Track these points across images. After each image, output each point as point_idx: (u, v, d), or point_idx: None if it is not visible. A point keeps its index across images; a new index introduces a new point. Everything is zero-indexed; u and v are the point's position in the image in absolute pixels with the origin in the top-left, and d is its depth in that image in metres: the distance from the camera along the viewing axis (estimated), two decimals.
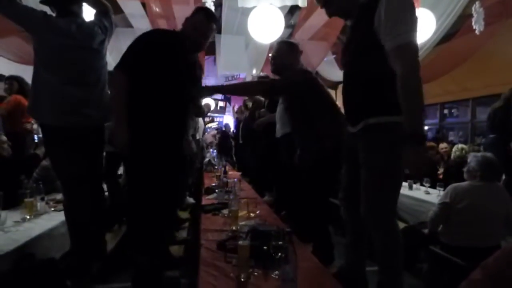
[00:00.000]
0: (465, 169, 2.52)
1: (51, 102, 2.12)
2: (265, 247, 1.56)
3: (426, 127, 9.23)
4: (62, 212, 2.51)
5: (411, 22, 1.51)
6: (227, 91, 2.60)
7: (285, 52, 2.63)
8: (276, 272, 1.46)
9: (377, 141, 1.65)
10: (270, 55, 2.87)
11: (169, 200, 2.33)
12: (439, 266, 2.58)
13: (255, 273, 1.50)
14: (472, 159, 2.45)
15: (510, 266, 0.92)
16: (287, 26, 7.00)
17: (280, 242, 1.45)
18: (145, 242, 2.07)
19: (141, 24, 7.36)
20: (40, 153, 3.18)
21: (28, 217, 2.40)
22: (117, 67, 2.02)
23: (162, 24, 6.66)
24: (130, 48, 2.06)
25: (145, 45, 2.05)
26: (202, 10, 2.18)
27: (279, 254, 1.43)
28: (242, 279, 1.43)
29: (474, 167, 2.40)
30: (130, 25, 7.36)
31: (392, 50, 1.52)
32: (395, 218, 1.72)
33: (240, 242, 1.46)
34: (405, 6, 1.52)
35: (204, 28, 2.12)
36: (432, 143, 5.72)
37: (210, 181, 3.95)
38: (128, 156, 2.04)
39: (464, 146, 4.50)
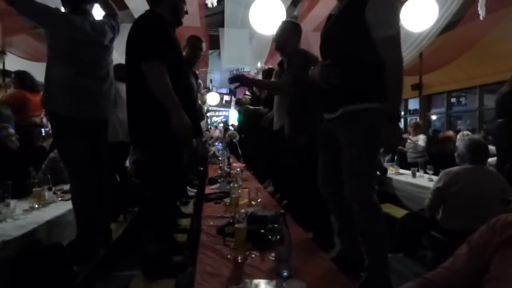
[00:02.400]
0: (455, 154, 2.56)
1: (64, 93, 2.24)
2: (262, 231, 1.60)
3: (434, 117, 9.19)
4: (69, 202, 2.59)
5: (398, 18, 1.74)
6: (257, 84, 2.72)
7: (289, 32, 2.74)
8: (273, 254, 1.50)
9: (357, 126, 1.76)
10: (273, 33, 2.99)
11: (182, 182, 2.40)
12: (442, 252, 2.59)
13: (253, 255, 1.54)
14: (460, 143, 2.48)
15: (493, 236, 0.94)
16: (291, 17, 6.98)
17: (276, 225, 1.49)
18: (155, 229, 2.14)
19: None
20: (47, 145, 3.25)
21: (36, 206, 2.46)
22: (156, 59, 1.90)
23: None
24: (155, 38, 1.95)
25: (162, 32, 2.02)
26: None
27: (275, 236, 1.47)
28: (239, 260, 1.47)
29: (463, 151, 2.44)
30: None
31: (384, 39, 1.66)
32: (375, 195, 1.82)
33: (237, 225, 1.50)
34: (395, 3, 1.73)
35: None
36: (447, 133, 5.66)
37: (214, 173, 4.00)
38: (156, 143, 2.03)
39: (468, 133, 4.47)
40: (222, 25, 8.68)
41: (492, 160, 3.69)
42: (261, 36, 6.48)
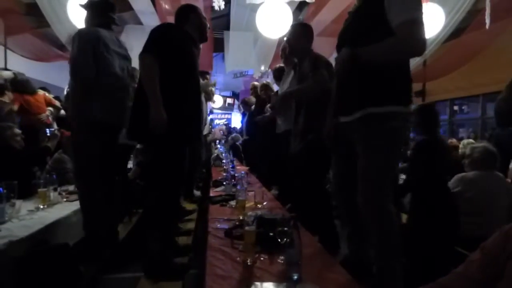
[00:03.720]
0: (466, 161, 2.57)
1: (102, 101, 2.36)
2: (271, 234, 1.60)
3: None
4: (74, 202, 2.61)
5: (419, 3, 1.60)
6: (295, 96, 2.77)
7: (299, 34, 2.77)
8: (282, 257, 1.49)
9: (377, 130, 1.65)
10: (284, 43, 3.09)
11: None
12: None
13: (261, 258, 1.53)
14: (472, 150, 2.52)
15: (506, 243, 0.94)
16: (296, 22, 7.01)
17: (285, 228, 1.49)
18: (159, 231, 2.15)
19: (151, 21, 7.43)
20: (52, 146, 3.25)
21: (41, 206, 2.47)
22: (148, 51, 2.05)
23: (171, 21, 6.72)
24: (155, 35, 2.12)
25: (166, 33, 2.16)
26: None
27: (285, 239, 1.47)
28: (249, 263, 1.47)
29: (475, 158, 2.48)
30: (139, 22, 7.46)
31: (402, 23, 1.56)
32: (391, 205, 1.72)
33: (247, 228, 1.49)
34: None
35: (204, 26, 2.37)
36: (454, 142, 5.64)
37: (217, 175, 3.99)
38: (157, 139, 2.07)
39: (471, 140, 4.48)
40: (226, 28, 8.71)
41: None
42: (266, 40, 6.49)
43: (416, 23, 1.56)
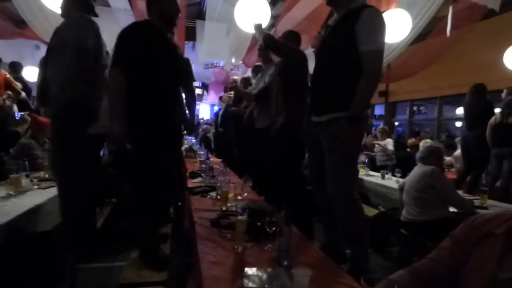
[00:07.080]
0: None
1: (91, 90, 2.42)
2: (258, 223, 1.69)
3: (396, 123, 9.71)
4: (47, 190, 2.55)
5: (383, 36, 1.93)
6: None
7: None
8: (269, 245, 1.59)
9: (341, 130, 1.96)
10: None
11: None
12: (408, 248, 2.83)
13: (248, 246, 1.61)
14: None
15: (472, 232, 1.08)
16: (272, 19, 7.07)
17: (274, 218, 1.59)
18: (150, 219, 2.16)
19: (119, 4, 7.15)
20: (21, 130, 3.10)
21: (13, 193, 2.38)
22: (115, 66, 2.03)
23: (142, 6, 6.51)
24: (120, 46, 2.06)
25: (133, 41, 2.07)
26: None
27: (273, 228, 1.56)
28: (239, 251, 1.54)
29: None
30: (107, 4, 7.15)
31: (368, 52, 1.87)
32: (356, 192, 2.04)
33: (239, 218, 1.56)
34: (382, 22, 1.92)
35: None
36: (415, 141, 6.04)
37: (192, 167, 3.99)
38: (135, 147, 2.10)
39: (430, 140, 4.83)
40: (198, 17, 8.58)
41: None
42: (240, 32, 6.49)
43: (382, 53, 1.92)
